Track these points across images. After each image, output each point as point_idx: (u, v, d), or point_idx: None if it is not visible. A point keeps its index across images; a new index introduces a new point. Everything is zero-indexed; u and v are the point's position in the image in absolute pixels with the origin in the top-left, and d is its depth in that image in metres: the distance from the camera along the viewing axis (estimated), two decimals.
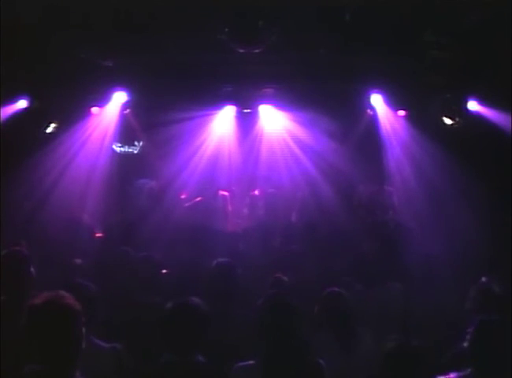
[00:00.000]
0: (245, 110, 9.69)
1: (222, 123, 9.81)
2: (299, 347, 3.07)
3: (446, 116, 9.04)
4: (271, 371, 3.01)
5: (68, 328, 2.52)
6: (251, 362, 3.10)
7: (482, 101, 8.41)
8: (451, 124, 9.05)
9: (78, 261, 5.36)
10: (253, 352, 3.16)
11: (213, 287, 4.07)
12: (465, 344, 3.02)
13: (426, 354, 2.97)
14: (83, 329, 2.57)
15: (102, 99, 8.89)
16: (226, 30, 6.09)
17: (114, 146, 9.92)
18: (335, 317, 3.91)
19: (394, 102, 8.94)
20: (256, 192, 9.48)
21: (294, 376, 3.02)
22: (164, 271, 4.97)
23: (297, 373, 3.02)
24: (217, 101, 9.26)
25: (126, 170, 9.76)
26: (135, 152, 10.29)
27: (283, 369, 3.01)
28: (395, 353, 2.93)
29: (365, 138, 9.95)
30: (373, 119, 9.34)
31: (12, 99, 8.15)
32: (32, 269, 3.84)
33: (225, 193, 9.33)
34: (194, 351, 3.18)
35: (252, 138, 10.06)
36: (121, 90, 8.72)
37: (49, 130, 9.15)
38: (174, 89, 8.42)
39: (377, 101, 8.99)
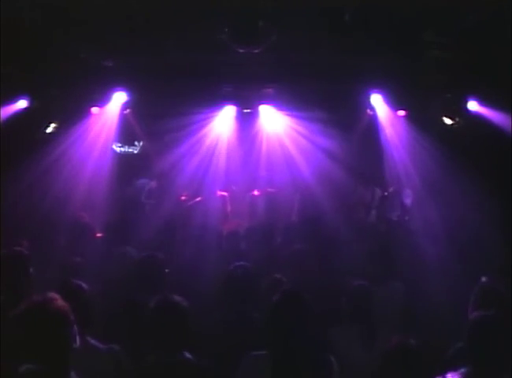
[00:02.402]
0: (245, 110, 9.70)
1: (222, 123, 9.81)
2: (311, 342, 3.09)
3: (446, 116, 9.04)
4: (280, 363, 3.04)
5: (58, 331, 2.57)
6: (263, 352, 3.12)
7: (482, 101, 8.41)
8: (451, 124, 9.05)
9: (78, 260, 5.34)
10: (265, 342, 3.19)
11: (235, 290, 4.05)
12: (464, 342, 3.01)
13: (426, 354, 2.97)
14: (74, 330, 2.61)
15: (102, 99, 8.89)
16: (226, 30, 6.09)
17: (114, 146, 9.93)
18: (363, 312, 3.91)
19: (394, 102, 8.95)
20: (256, 192, 9.49)
21: (303, 369, 3.03)
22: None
23: (306, 367, 3.04)
24: (217, 101, 9.26)
25: (126, 170, 9.76)
26: (135, 152, 10.30)
27: (293, 363, 3.03)
28: (395, 353, 2.93)
29: (365, 138, 9.96)
30: (373, 119, 9.35)
31: (12, 99, 8.14)
32: (32, 270, 3.84)
33: (224, 194, 9.33)
34: (180, 349, 3.19)
35: (252, 138, 10.07)
36: (121, 90, 8.72)
37: (49, 130, 9.16)
38: (174, 89, 8.42)
39: (377, 101, 8.99)
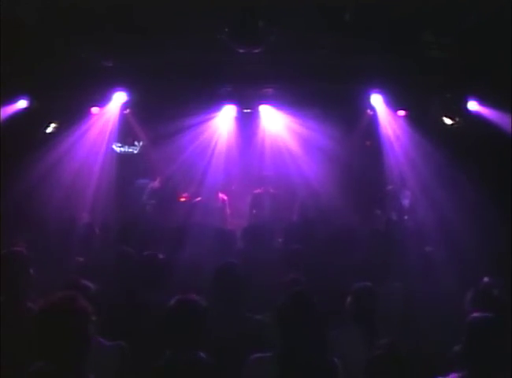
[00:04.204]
0: (245, 110, 9.70)
1: (222, 123, 9.81)
2: (317, 345, 3.10)
3: (446, 116, 9.04)
4: (287, 365, 3.04)
5: (79, 330, 2.55)
6: (268, 354, 3.13)
7: (482, 101, 8.41)
8: (451, 124, 9.05)
9: (79, 260, 5.35)
10: (270, 346, 3.20)
11: (224, 287, 4.04)
12: (461, 344, 3.01)
13: (416, 359, 2.97)
14: (93, 329, 2.61)
15: (102, 99, 8.89)
16: (226, 30, 6.09)
17: (114, 146, 9.93)
18: (366, 313, 3.91)
19: (394, 102, 8.95)
20: (256, 192, 9.48)
21: (309, 372, 3.04)
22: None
23: (312, 369, 3.05)
24: (217, 101, 9.26)
25: (126, 170, 9.76)
26: (135, 152, 10.29)
27: (300, 365, 3.03)
28: (383, 359, 2.93)
29: (365, 138, 9.97)
30: (373, 119, 9.35)
31: (12, 99, 8.14)
32: (31, 270, 3.84)
33: (224, 197, 9.33)
34: (195, 348, 3.20)
35: (252, 138, 10.07)
36: (121, 90, 8.72)
37: (49, 130, 9.16)
38: (174, 89, 8.42)
39: (377, 101, 8.99)
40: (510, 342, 2.87)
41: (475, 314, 3.09)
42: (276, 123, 9.91)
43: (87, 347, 2.58)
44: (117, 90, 8.74)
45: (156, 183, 9.54)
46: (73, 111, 8.91)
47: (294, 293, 3.24)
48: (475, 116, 8.54)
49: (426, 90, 8.45)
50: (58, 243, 5.67)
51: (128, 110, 9.28)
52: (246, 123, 9.89)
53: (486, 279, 4.26)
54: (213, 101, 9.18)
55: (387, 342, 3.01)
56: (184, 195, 9.67)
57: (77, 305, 2.57)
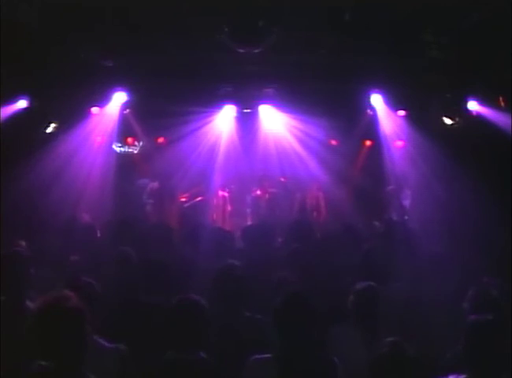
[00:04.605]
0: (245, 110, 9.70)
1: (222, 123, 9.81)
2: (315, 344, 3.10)
3: (446, 116, 9.04)
4: (286, 366, 3.04)
5: (74, 329, 2.56)
6: (268, 356, 3.13)
7: (482, 101, 8.41)
8: (451, 124, 9.05)
9: (78, 259, 5.34)
10: (270, 346, 3.20)
11: (224, 288, 4.05)
12: (462, 345, 3.01)
13: (420, 358, 2.96)
14: (88, 328, 2.62)
15: (101, 99, 8.89)
16: (226, 30, 6.10)
17: (114, 146, 9.93)
18: (368, 312, 3.91)
19: (394, 102, 8.95)
20: (257, 192, 9.49)
21: (309, 372, 3.05)
22: None
23: (311, 370, 3.05)
24: (217, 101, 9.26)
25: (126, 170, 9.77)
26: (135, 152, 10.30)
27: (299, 365, 3.03)
28: (388, 358, 2.92)
29: (365, 137, 9.97)
30: (373, 119, 9.35)
31: (12, 99, 8.14)
32: (32, 270, 3.84)
33: (225, 193, 9.34)
34: (196, 348, 3.20)
35: (252, 138, 10.07)
36: (121, 90, 8.73)
37: (49, 130, 9.15)
38: (174, 89, 8.42)
39: (377, 101, 8.99)
40: (510, 344, 2.87)
41: (475, 316, 3.08)
42: (275, 123, 9.91)
43: (83, 346, 2.58)
44: (117, 90, 8.74)
45: (155, 184, 9.55)
46: (73, 111, 8.91)
47: (288, 293, 3.23)
48: (475, 116, 8.54)
49: (426, 90, 8.46)
50: (58, 243, 5.67)
51: (127, 110, 9.29)
52: (246, 123, 9.89)
53: (486, 279, 4.25)
54: (213, 101, 9.18)
55: (392, 341, 3.00)
56: (184, 195, 9.67)
57: (71, 304, 2.58)
